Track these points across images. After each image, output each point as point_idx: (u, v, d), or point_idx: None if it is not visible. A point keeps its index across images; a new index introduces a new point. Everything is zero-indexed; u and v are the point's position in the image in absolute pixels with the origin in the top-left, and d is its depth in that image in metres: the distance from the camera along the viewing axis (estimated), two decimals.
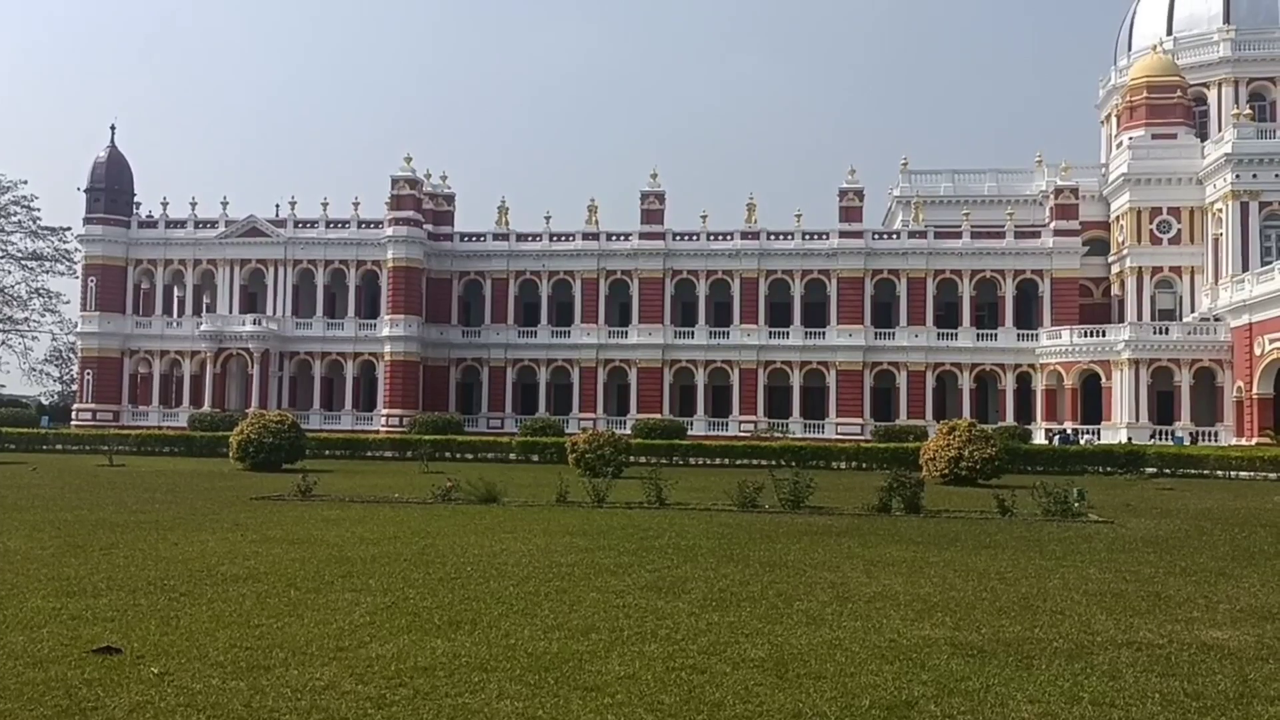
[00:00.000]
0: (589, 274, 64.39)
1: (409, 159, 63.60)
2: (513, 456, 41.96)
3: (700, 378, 62.72)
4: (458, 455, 42.00)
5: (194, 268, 66.10)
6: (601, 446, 32.09)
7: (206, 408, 61.68)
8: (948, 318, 62.27)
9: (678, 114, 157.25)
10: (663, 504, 20.82)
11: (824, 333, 62.24)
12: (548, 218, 65.56)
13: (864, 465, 38.63)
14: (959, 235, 61.91)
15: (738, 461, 39.73)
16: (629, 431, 52.40)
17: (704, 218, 64.15)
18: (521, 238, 65.76)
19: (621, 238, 64.44)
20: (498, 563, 12.94)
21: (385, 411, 62.02)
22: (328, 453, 42.18)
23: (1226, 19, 66.23)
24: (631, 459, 35.39)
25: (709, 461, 40.56)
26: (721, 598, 10.71)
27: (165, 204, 67.16)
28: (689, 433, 55.46)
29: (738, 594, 10.94)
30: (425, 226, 64.61)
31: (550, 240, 65.20)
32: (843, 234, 62.34)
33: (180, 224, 66.49)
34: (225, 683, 7.25)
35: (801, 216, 63.36)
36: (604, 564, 12.94)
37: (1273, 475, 35.40)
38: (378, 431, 56.80)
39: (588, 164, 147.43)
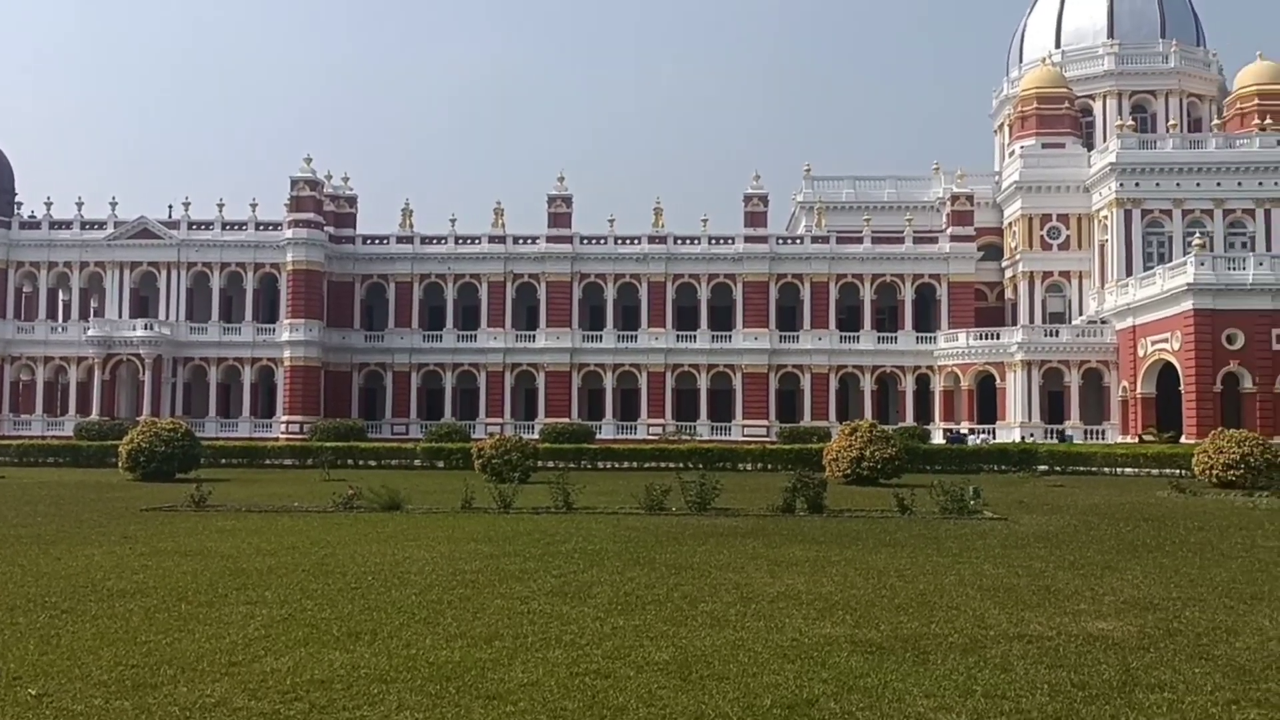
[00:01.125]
0: (495, 277, 63.90)
1: (309, 160, 62.28)
2: (417, 463, 41.32)
3: (609, 381, 62.78)
4: (361, 462, 41.15)
5: (80, 270, 63.50)
6: (508, 451, 31.84)
7: (94, 416, 59.26)
8: (850, 321, 63.56)
9: (585, 119, 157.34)
10: (570, 508, 20.73)
11: (730, 336, 62.93)
12: (453, 220, 64.95)
13: (770, 466, 39.08)
14: (860, 240, 63.26)
15: (646, 464, 39.83)
16: (537, 436, 52.19)
17: (611, 221, 64.33)
18: (426, 240, 64.90)
19: (529, 241, 64.14)
20: (400, 571, 12.71)
21: (285, 418, 60.51)
22: (224, 461, 40.90)
23: (1111, 34, 69.15)
24: (539, 463, 35.25)
25: (617, 465, 40.57)
26: (627, 601, 10.70)
27: (49, 204, 64.42)
28: (597, 436, 55.45)
29: (643, 597, 10.95)
30: (326, 229, 63.30)
31: (456, 243, 64.50)
32: (748, 239, 63.15)
33: (65, 225, 63.85)
34: (109, 703, 6.95)
35: (708, 221, 64.06)
36: (509, 570, 12.81)
37: (1155, 471, 36.96)
38: (277, 439, 55.32)
39: (495, 168, 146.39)
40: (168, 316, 62.26)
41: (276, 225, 62.70)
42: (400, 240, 64.93)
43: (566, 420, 59.02)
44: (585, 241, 64.01)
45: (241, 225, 63.13)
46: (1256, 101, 62.93)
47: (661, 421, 61.55)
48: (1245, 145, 59.14)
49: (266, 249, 62.32)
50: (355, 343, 64.23)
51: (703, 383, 62.66)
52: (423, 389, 64.01)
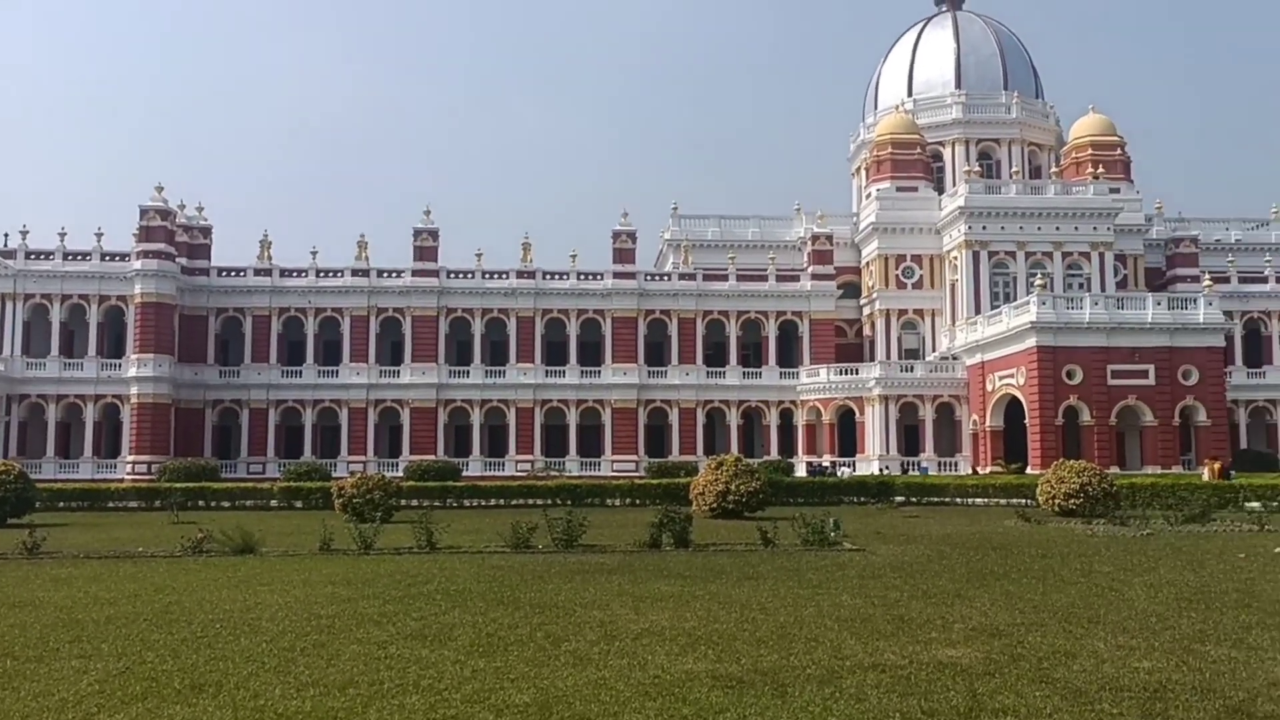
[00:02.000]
0: (359, 311, 62.47)
1: (160, 189, 59.79)
2: (274, 503, 39.78)
3: (476, 417, 62.00)
4: (214, 504, 39.34)
5: None
6: (370, 490, 30.99)
7: None
8: (716, 357, 64.61)
9: (453, 154, 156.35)
10: (433, 548, 20.30)
11: (599, 371, 63.09)
12: (314, 253, 63.23)
13: (638, 501, 39.16)
14: (726, 278, 64.53)
15: (513, 502, 39.36)
16: (401, 474, 51.06)
17: (479, 256, 63.84)
18: (286, 273, 62.98)
19: (394, 275, 63.01)
20: (251, 618, 12.17)
21: (131, 458, 57.41)
22: (63, 505, 38.50)
23: (958, 85, 72.94)
24: (403, 502, 34.45)
25: (484, 503, 39.96)
26: (489, 643, 10.51)
27: None
28: (464, 474, 54.67)
29: (506, 638, 10.78)
30: (179, 260, 60.76)
31: (317, 276, 62.80)
32: (617, 275, 63.64)
33: None
34: None
35: (577, 257, 64.24)
36: (367, 613, 12.44)
37: (1003, 500, 38.62)
38: (122, 480, 52.49)
39: (361, 203, 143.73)
40: (1, 351, 58.51)
41: (124, 256, 59.82)
42: (258, 273, 62.82)
43: (432, 457, 57.95)
44: (452, 276, 63.30)
45: (85, 255, 59.99)
46: (1090, 151, 67.30)
47: (530, 458, 61.09)
48: (1081, 192, 63.03)
49: (113, 280, 59.34)
50: (209, 379, 61.60)
51: (572, 418, 62.55)
52: (281, 426, 61.84)
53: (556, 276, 63.84)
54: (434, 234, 63.48)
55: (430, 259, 63.09)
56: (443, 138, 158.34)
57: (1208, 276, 59.57)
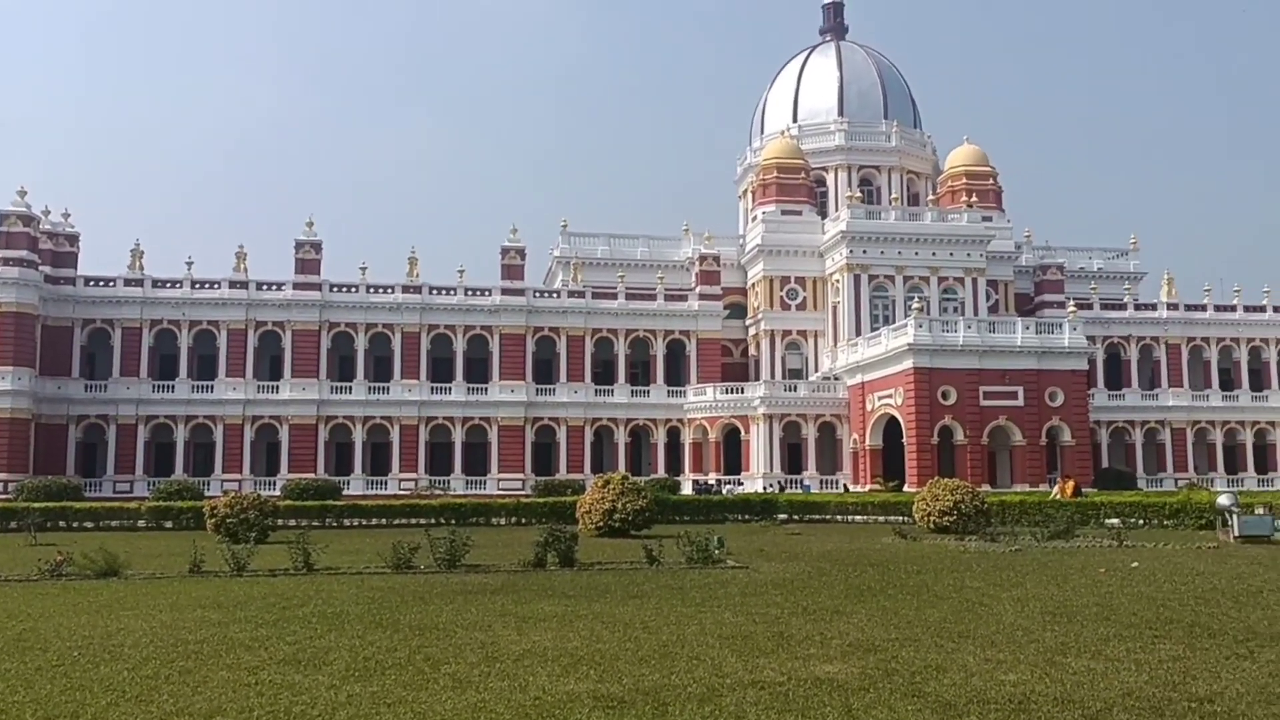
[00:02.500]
0: (236, 325, 60.49)
1: (23, 193, 56.91)
2: (142, 524, 38.04)
3: (358, 434, 60.64)
4: (76, 524, 37.40)
5: None
6: (245, 510, 29.93)
7: None
8: (605, 374, 64.77)
9: (339, 167, 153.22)
10: (310, 569, 19.71)
11: (486, 388, 62.51)
12: (189, 263, 61.09)
13: (524, 520, 38.79)
14: (615, 296, 64.81)
15: (395, 521, 38.53)
16: (279, 493, 49.57)
17: (364, 269, 62.69)
18: (159, 284, 60.60)
19: (274, 287, 61.28)
20: (112, 644, 11.59)
21: None
22: None
23: (841, 112, 75.11)
24: (280, 522, 33.39)
25: (365, 522, 39.00)
26: (366, 667, 10.25)
27: None
28: (345, 492, 53.40)
29: (383, 661, 10.52)
30: (42, 268, 57.85)
31: (192, 287, 60.62)
32: (505, 291, 63.25)
33: None
34: None
35: (465, 272, 63.61)
36: (238, 638, 11.98)
37: (881, 518, 39.59)
38: None
39: (241, 214, 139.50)
40: None
41: None
42: (129, 283, 60.25)
43: (312, 476, 56.41)
44: (335, 290, 61.92)
45: None
46: (964, 181, 70.06)
47: (414, 476, 60.03)
48: (955, 220, 65.53)
49: None
50: (73, 393, 58.68)
51: (458, 435, 61.75)
52: (151, 443, 59.34)
53: (443, 292, 63.07)
54: (317, 246, 62.02)
55: (313, 272, 61.60)
56: (329, 150, 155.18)
57: (1072, 303, 62.63)
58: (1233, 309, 68.39)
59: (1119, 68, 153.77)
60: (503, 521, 39.29)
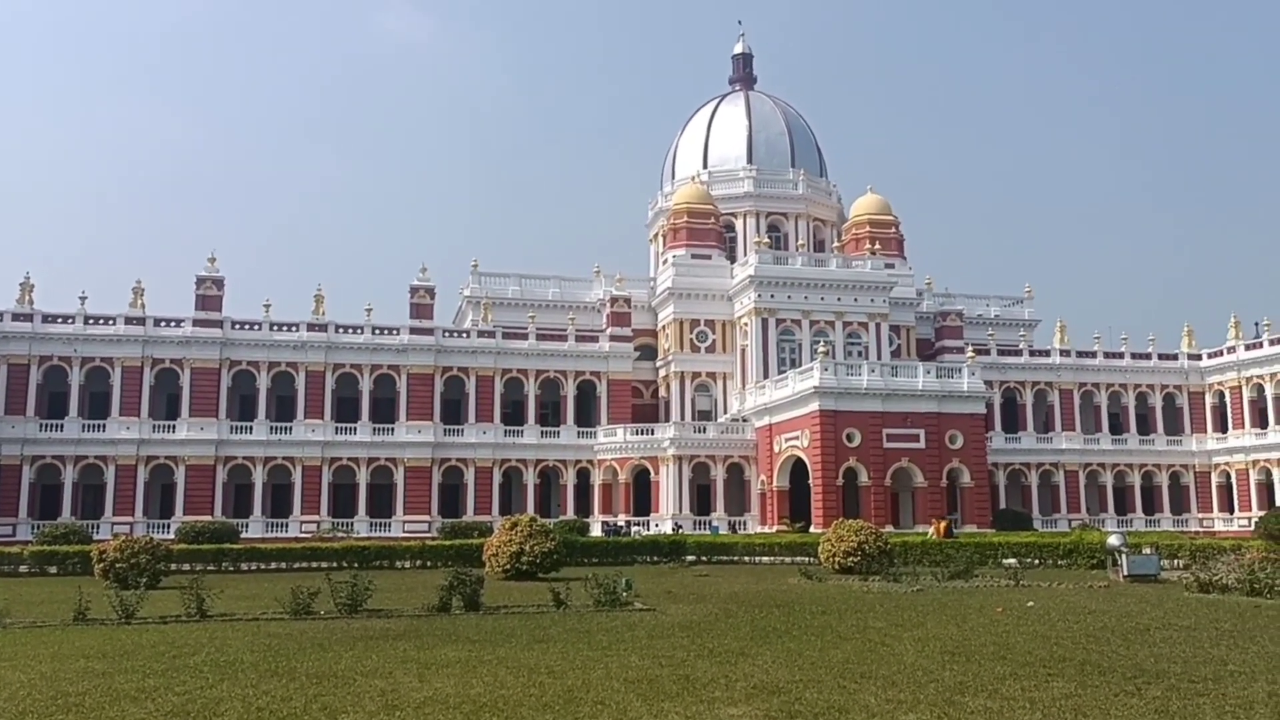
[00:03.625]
0: (132, 361, 58.44)
1: None
2: (24, 569, 36.18)
3: (259, 475, 58.93)
4: None
5: None
6: (136, 554, 28.76)
7: None
8: (514, 415, 64.30)
9: (244, 203, 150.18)
10: (204, 616, 19.04)
11: (393, 429, 61.48)
12: (83, 298, 58.80)
13: (429, 563, 38.13)
14: (525, 337, 64.58)
15: (296, 565, 37.50)
16: (173, 536, 47.79)
17: (267, 307, 61.26)
18: (49, 319, 58.26)
19: (173, 324, 59.44)
20: None
21: None
22: None
23: (750, 160, 76.68)
24: (174, 567, 32.28)
25: (264, 566, 37.84)
26: (259, 718, 9.91)
27: None
28: (244, 535, 51.72)
29: (278, 711, 10.20)
30: None
31: (85, 323, 58.41)
32: (414, 330, 62.51)
33: None
34: None
35: (372, 311, 62.73)
36: (124, 689, 11.48)
37: (788, 559, 40.02)
38: None
39: (140, 249, 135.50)
40: None
41: None
42: (17, 317, 57.76)
43: (209, 518, 54.48)
44: (238, 327, 60.38)
45: None
46: (868, 229, 71.95)
47: (316, 518, 58.52)
48: (860, 266, 67.16)
49: None
50: None
51: (362, 477, 60.49)
52: (36, 484, 56.66)
53: (350, 330, 62.02)
54: (219, 282, 60.49)
55: (214, 308, 60.00)
56: (234, 186, 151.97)
57: (971, 348, 64.59)
58: (1121, 356, 71.28)
59: (1017, 122, 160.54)
60: (407, 565, 38.56)
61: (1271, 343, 66.52)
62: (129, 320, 58.80)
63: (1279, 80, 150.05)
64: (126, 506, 56.50)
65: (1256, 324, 70.15)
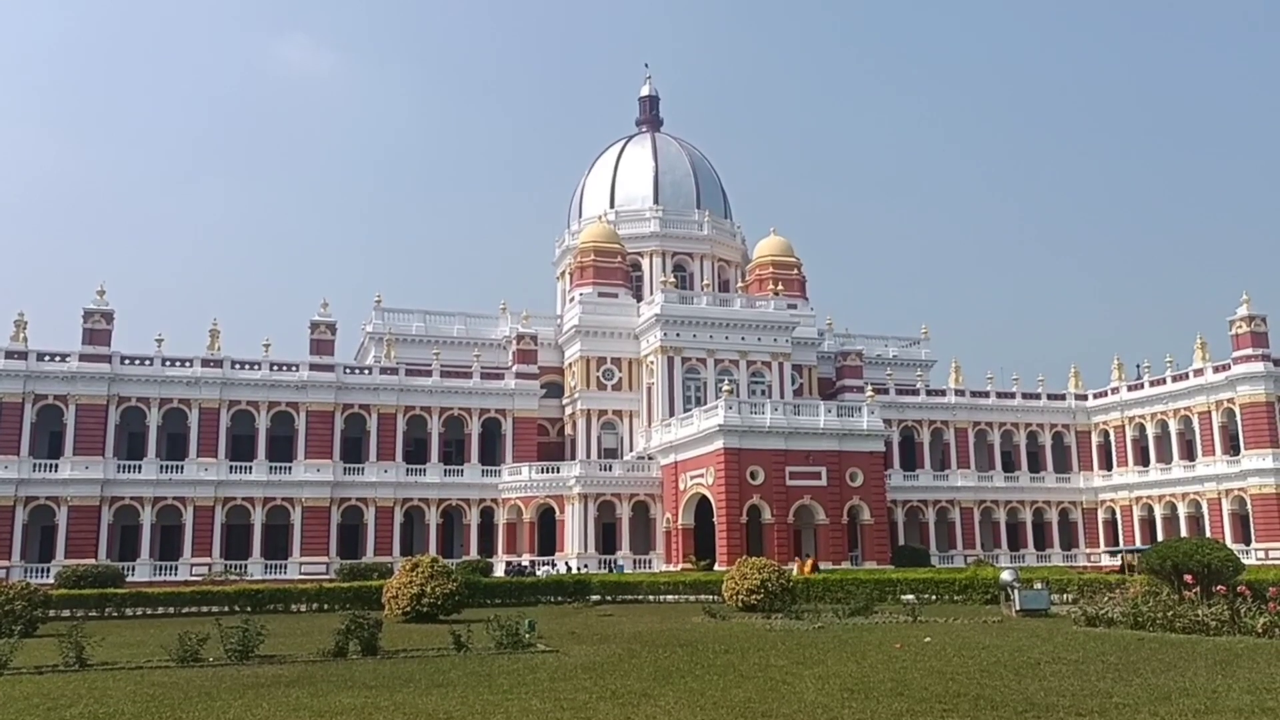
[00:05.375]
0: (11, 397, 55.78)
1: None
2: None
3: (147, 516, 56.65)
4: None
5: None
6: (10, 600, 27.26)
7: None
8: (417, 453, 63.27)
9: (136, 235, 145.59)
10: (84, 665, 18.14)
11: (291, 467, 59.87)
12: None
13: (327, 606, 37.08)
14: (430, 374, 63.75)
15: (185, 610, 36.04)
16: (53, 581, 45.55)
17: (159, 341, 59.25)
18: None
19: (57, 358, 57.00)
20: None
21: None
22: None
23: (656, 200, 77.62)
24: (52, 613, 30.82)
25: (151, 612, 36.28)
26: None
27: None
28: (130, 579, 49.63)
29: None
30: None
31: None
32: (314, 366, 61.17)
33: None
34: None
35: (271, 346, 61.18)
36: None
37: (692, 597, 40.08)
38: None
39: (24, 283, 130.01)
40: None
41: None
42: None
43: (92, 561, 52.08)
44: (127, 362, 58.23)
45: None
46: (771, 270, 73.32)
47: (208, 561, 56.47)
48: (763, 306, 68.30)
49: None
50: None
51: (258, 517, 58.65)
52: None
53: (247, 366, 60.35)
54: (108, 316, 58.32)
55: (102, 343, 57.78)
56: (123, 217, 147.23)
57: (870, 388, 66.15)
58: (1012, 396, 73.74)
59: (915, 166, 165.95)
60: (304, 608, 37.45)
61: (1152, 384, 69.63)
62: (9, 354, 56.19)
63: (1166, 127, 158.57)
64: (2, 550, 53.67)
65: (1138, 366, 73.47)
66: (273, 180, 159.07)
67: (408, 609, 29.89)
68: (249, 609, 34.16)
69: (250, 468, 59.20)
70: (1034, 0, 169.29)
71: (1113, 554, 65.12)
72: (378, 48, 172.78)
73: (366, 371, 63.50)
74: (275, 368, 60.80)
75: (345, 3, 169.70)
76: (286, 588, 40.36)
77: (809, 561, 43.05)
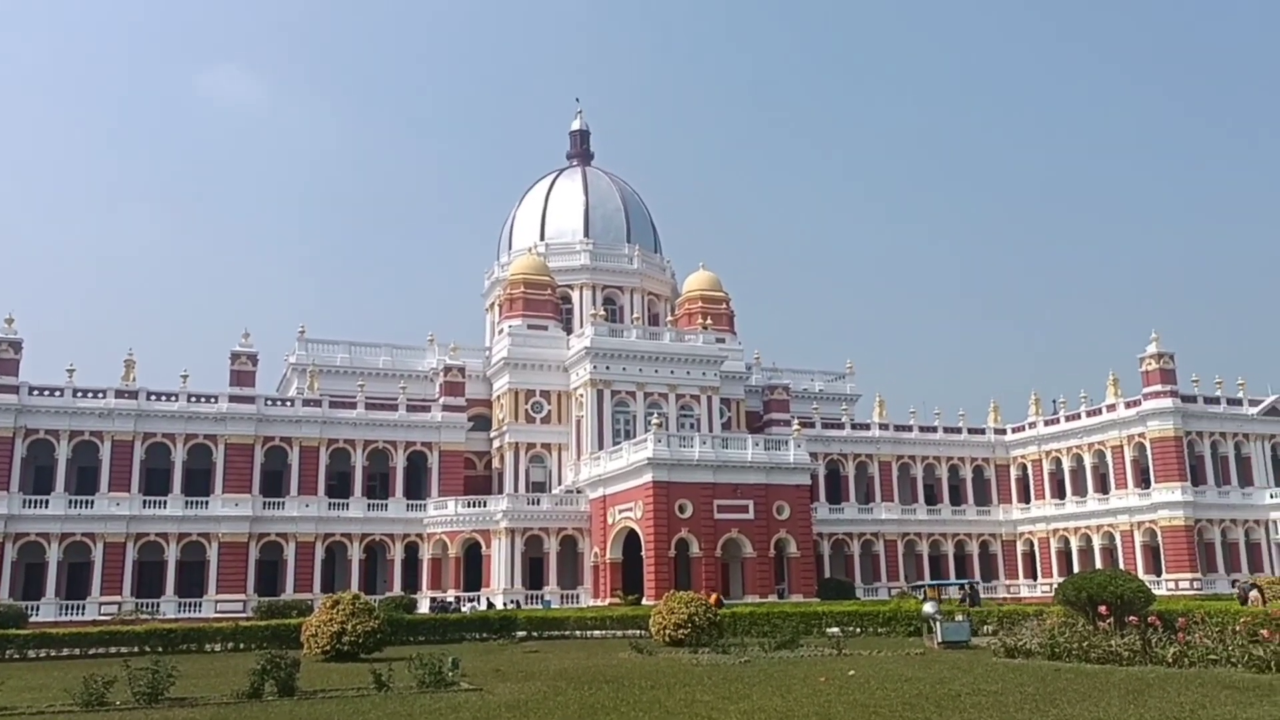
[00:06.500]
0: None
1: None
2: None
3: (53, 553, 54.51)
4: None
5: None
6: None
7: None
8: (340, 487, 62.07)
9: (49, 263, 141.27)
10: None
11: (208, 502, 58.23)
12: None
13: (243, 646, 35.97)
14: (354, 406, 62.71)
15: (92, 651, 34.60)
16: None
17: (71, 372, 57.40)
18: None
19: None
20: None
21: None
22: None
23: (587, 233, 77.84)
24: None
25: (56, 653, 34.76)
26: None
27: None
28: (33, 619, 47.87)
29: None
30: None
31: None
32: (233, 398, 59.76)
33: None
34: None
35: (189, 377, 59.64)
36: None
37: (620, 632, 39.80)
38: None
39: None
40: None
41: None
42: None
43: None
44: (36, 393, 56.22)
45: None
46: (700, 304, 73.89)
47: (118, 599, 54.50)
48: (692, 340, 68.72)
49: None
50: None
51: (172, 553, 56.84)
52: None
53: (163, 398, 58.72)
54: (16, 345, 56.32)
55: (9, 373, 55.76)
56: (37, 245, 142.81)
57: (797, 421, 66.83)
58: (935, 430, 75.11)
59: (840, 204, 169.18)
60: (219, 648, 36.30)
61: (1067, 419, 71.56)
62: None
63: (1075, 174, 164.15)
64: None
65: (1054, 401, 75.46)
66: (197, 210, 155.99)
67: (328, 648, 29.14)
68: (161, 649, 33.01)
69: (165, 502, 57.45)
70: (944, 53, 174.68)
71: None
72: (309, 79, 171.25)
73: (289, 403, 62.22)
74: (193, 399, 59.27)
75: (275, 35, 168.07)
76: (201, 627, 39.11)
77: (714, 596, 43.14)
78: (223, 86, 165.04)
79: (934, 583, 57.07)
